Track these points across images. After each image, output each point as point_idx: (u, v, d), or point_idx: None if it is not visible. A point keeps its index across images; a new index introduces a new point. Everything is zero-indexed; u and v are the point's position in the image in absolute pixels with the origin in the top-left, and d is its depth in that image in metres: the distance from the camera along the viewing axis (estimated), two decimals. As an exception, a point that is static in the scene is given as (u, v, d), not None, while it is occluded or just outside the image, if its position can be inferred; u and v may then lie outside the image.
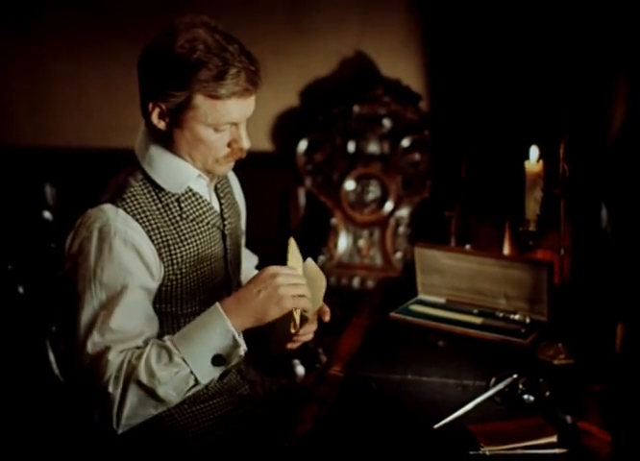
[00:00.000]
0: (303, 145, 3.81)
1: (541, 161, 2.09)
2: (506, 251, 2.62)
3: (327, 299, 1.93)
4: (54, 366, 2.28)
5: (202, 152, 1.87)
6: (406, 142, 3.74)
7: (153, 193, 1.89)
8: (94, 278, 1.80)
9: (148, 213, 1.86)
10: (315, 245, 3.76)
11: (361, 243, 3.79)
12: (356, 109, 3.75)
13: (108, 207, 1.83)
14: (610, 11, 3.07)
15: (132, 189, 1.87)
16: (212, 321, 1.76)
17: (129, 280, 1.81)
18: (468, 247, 2.63)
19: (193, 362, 1.75)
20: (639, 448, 1.64)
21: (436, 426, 1.77)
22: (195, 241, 1.93)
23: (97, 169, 3.71)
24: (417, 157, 3.72)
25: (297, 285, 1.77)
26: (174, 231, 1.90)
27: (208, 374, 1.77)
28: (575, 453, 1.66)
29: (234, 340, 1.75)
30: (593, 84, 3.15)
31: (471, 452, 1.66)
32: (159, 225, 1.87)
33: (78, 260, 1.83)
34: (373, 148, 3.77)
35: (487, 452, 1.66)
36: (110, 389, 1.75)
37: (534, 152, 2.09)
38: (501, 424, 1.75)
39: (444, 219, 2.63)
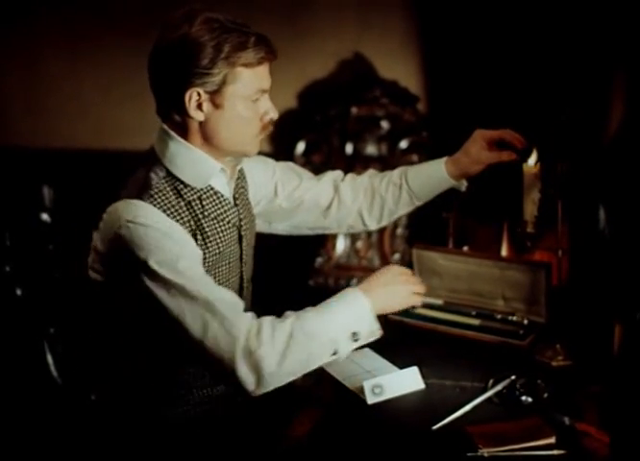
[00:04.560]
0: (301, 146, 3.81)
1: (539, 163, 2.09)
2: (504, 252, 2.63)
3: (325, 300, 1.93)
4: (52, 368, 2.28)
5: (241, 130, 1.90)
6: (404, 144, 3.74)
7: (176, 190, 1.89)
8: (160, 261, 1.77)
9: (174, 210, 1.87)
10: (313, 246, 3.76)
11: (359, 244, 3.79)
12: (353, 110, 3.75)
13: (138, 203, 1.83)
14: (607, 11, 3.07)
15: (157, 186, 1.87)
16: (353, 300, 1.83)
17: (184, 250, 1.82)
18: (466, 248, 2.64)
19: (336, 334, 1.79)
20: (637, 450, 1.64)
21: (434, 428, 1.77)
22: (216, 240, 1.93)
23: (94, 170, 3.73)
24: (415, 158, 3.72)
25: (417, 284, 1.93)
26: (197, 230, 1.90)
27: (346, 347, 1.80)
28: (573, 455, 1.66)
29: (372, 323, 1.82)
30: (590, 85, 3.16)
31: (469, 454, 1.66)
32: (184, 220, 1.88)
33: (126, 254, 1.79)
34: (371, 149, 3.77)
35: (485, 454, 1.66)
36: (268, 346, 1.73)
37: (532, 154, 2.09)
38: (499, 426, 1.75)
39: (442, 220, 2.63)
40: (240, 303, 1.81)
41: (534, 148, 2.09)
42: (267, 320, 1.76)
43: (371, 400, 1.89)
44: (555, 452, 1.67)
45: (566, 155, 2.07)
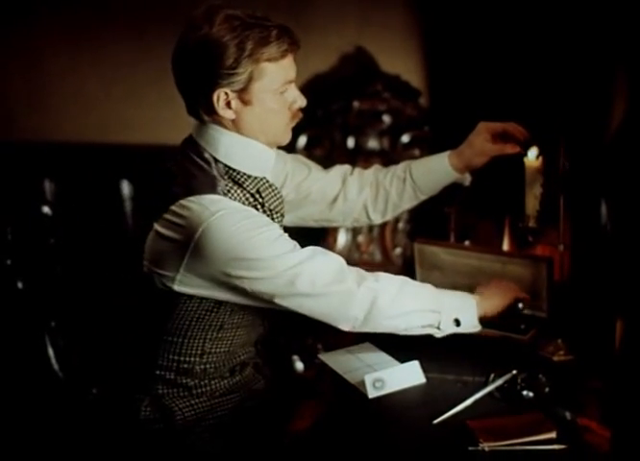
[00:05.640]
0: (302, 141, 3.80)
1: (541, 157, 2.09)
2: (506, 247, 2.62)
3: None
4: (53, 361, 2.28)
5: (273, 122, 1.91)
6: (405, 138, 3.73)
7: (238, 184, 1.91)
8: (260, 242, 1.81)
9: (244, 203, 1.89)
10: (314, 240, 3.75)
11: (361, 239, 3.78)
12: (355, 104, 3.75)
13: (219, 197, 1.84)
14: (610, 6, 3.07)
15: (223, 182, 1.88)
16: (460, 293, 2.02)
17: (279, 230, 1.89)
18: (467, 243, 2.63)
19: (445, 307, 1.96)
20: (638, 445, 1.64)
21: (435, 422, 1.78)
22: None
23: (96, 164, 3.73)
24: (417, 152, 3.71)
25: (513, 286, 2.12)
26: None
27: (448, 326, 1.97)
28: (574, 449, 1.67)
29: (474, 317, 1.99)
30: (592, 81, 3.15)
31: (470, 448, 1.66)
32: None
33: (217, 244, 1.79)
34: (372, 144, 3.76)
35: (486, 448, 1.66)
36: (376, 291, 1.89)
37: (533, 148, 2.09)
38: (500, 420, 1.75)
39: (443, 215, 2.63)
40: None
41: (536, 142, 2.08)
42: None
43: (372, 394, 1.89)
44: (556, 447, 1.67)
45: (568, 150, 2.06)
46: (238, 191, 1.90)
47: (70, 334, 2.37)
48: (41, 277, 2.38)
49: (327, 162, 3.83)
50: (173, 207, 1.83)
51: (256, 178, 1.94)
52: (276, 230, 1.87)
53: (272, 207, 1.97)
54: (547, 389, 1.88)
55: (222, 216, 1.79)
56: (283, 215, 2.03)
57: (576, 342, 2.09)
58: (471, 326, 2.00)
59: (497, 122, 2.16)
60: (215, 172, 1.89)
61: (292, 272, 1.82)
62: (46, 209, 3.02)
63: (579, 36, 3.18)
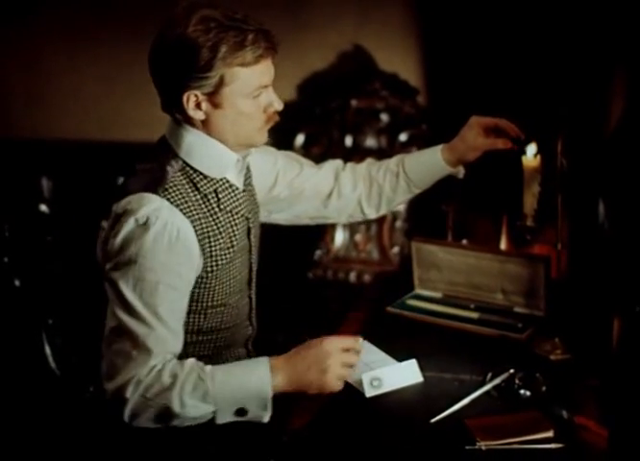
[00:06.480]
0: (300, 139, 3.80)
1: (539, 156, 2.09)
2: (503, 245, 2.62)
3: (324, 292, 1.93)
4: (50, 359, 2.28)
5: (245, 125, 1.88)
6: (403, 136, 3.74)
7: (192, 183, 1.88)
8: (137, 267, 1.76)
9: (190, 203, 1.85)
10: (312, 239, 3.76)
11: (358, 237, 3.78)
12: (353, 102, 3.75)
13: (152, 197, 1.80)
14: (608, 4, 3.07)
15: (173, 179, 1.85)
16: (255, 379, 1.77)
17: (171, 273, 1.79)
18: (465, 241, 2.63)
19: (221, 406, 1.75)
20: (636, 443, 1.64)
21: (433, 421, 1.77)
22: (229, 233, 1.93)
23: (94, 162, 3.73)
24: (415, 151, 3.71)
25: (345, 366, 1.81)
26: (212, 223, 1.89)
27: (226, 418, 1.78)
28: (571, 448, 1.66)
29: (265, 405, 1.78)
30: (591, 79, 3.15)
31: (467, 447, 1.66)
32: (200, 215, 1.86)
33: (123, 251, 1.78)
34: (370, 142, 3.76)
35: (483, 447, 1.66)
36: (128, 393, 1.72)
37: (532, 147, 2.09)
38: (497, 419, 1.75)
39: (441, 213, 2.63)
40: (173, 348, 1.79)
41: (534, 140, 2.08)
42: (173, 363, 1.75)
43: (369, 392, 1.89)
44: (553, 446, 1.67)
45: (566, 149, 2.06)
46: (187, 191, 1.86)
47: (67, 332, 2.37)
48: (39, 274, 2.37)
49: (325, 160, 3.84)
50: (114, 205, 1.83)
51: (213, 179, 1.91)
52: (174, 285, 1.80)
53: (230, 209, 1.93)
54: (544, 388, 1.88)
55: (141, 221, 1.77)
56: (246, 217, 1.99)
57: (573, 341, 2.08)
58: (257, 417, 1.80)
59: (489, 117, 2.15)
60: (170, 170, 1.87)
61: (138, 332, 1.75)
62: (43, 207, 3.02)
63: (578, 35, 3.18)
